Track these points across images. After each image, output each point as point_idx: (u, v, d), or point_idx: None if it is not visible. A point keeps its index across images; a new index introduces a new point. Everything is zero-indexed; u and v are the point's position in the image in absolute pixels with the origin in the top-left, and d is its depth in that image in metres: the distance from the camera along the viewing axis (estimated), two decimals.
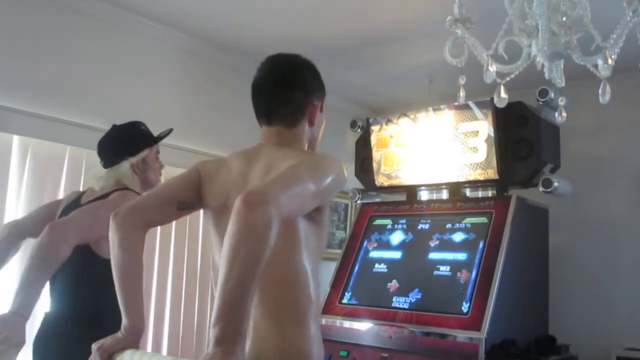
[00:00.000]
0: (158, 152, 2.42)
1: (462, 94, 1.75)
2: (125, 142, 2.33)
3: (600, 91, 1.65)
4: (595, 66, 1.60)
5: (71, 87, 2.99)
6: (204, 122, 3.60)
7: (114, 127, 2.37)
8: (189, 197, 1.62)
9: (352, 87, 4.35)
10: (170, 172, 3.23)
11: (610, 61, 1.52)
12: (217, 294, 1.22)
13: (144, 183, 2.34)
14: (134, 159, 2.30)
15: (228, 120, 3.62)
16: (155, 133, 2.46)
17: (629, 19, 1.52)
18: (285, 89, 1.63)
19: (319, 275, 1.56)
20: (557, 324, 3.37)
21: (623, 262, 3.73)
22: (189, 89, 3.56)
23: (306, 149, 1.68)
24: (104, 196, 2.20)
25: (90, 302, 2.17)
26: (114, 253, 1.56)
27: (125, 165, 2.29)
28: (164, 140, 3.20)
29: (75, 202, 2.27)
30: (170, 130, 2.47)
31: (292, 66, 1.66)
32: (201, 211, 1.68)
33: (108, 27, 3.16)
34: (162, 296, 3.34)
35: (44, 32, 2.90)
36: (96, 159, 2.33)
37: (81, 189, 2.67)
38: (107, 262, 2.10)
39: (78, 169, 2.96)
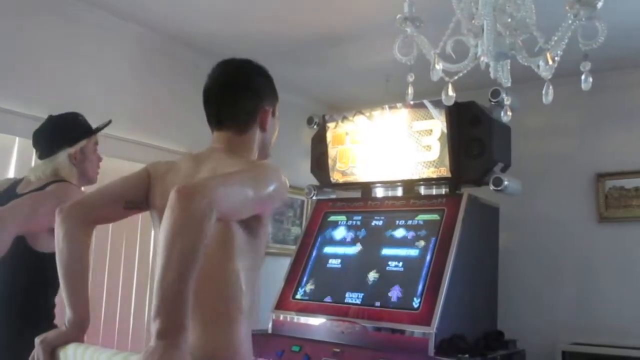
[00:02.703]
0: (97, 144, 2.38)
1: (410, 91, 1.78)
2: (63, 131, 2.28)
3: (543, 92, 1.70)
4: (539, 67, 1.64)
5: (20, 77, 2.92)
6: (160, 116, 3.56)
7: (50, 117, 2.33)
8: (137, 196, 1.61)
9: (310, 84, 4.36)
10: (127, 166, 3.21)
11: (551, 62, 1.56)
12: (155, 287, 1.21)
13: (82, 175, 2.30)
14: (71, 149, 2.25)
15: (185, 114, 3.59)
16: (108, 129, 2.43)
17: (570, 22, 1.57)
18: (236, 94, 1.63)
19: (258, 285, 1.56)
20: (505, 319, 3.45)
21: (569, 261, 3.84)
22: (145, 82, 3.51)
23: (257, 154, 1.69)
24: (41, 188, 2.16)
25: (24, 297, 2.14)
26: (58, 247, 1.53)
27: (62, 156, 2.24)
28: (119, 134, 3.18)
29: (10, 190, 2.22)
30: (109, 122, 2.44)
31: (243, 71, 1.67)
32: None
33: (62, 18, 3.09)
34: (114, 293, 3.30)
35: None
36: None
37: None
38: (43, 257, 2.07)
39: (27, 161, 2.88)
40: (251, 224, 1.49)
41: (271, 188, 1.45)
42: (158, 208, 1.57)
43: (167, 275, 1.20)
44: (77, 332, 1.54)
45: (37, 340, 1.54)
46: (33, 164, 2.87)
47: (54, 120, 2.32)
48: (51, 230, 1.96)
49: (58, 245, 1.54)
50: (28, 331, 1.70)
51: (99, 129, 2.39)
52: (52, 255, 1.57)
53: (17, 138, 2.87)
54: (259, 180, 1.45)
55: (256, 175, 1.47)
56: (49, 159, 2.24)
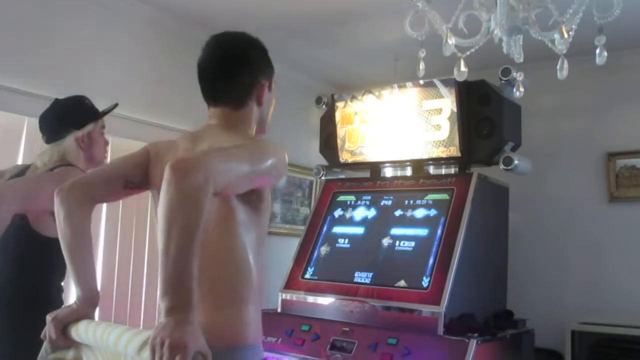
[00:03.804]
0: (103, 127, 2.37)
1: (421, 66, 1.76)
2: (69, 116, 2.27)
3: (558, 67, 1.68)
4: (553, 42, 1.62)
5: (30, 58, 2.91)
6: (172, 97, 3.53)
7: (56, 101, 2.31)
8: (137, 176, 1.60)
9: (318, 64, 4.33)
10: (138, 147, 3.20)
11: (566, 36, 1.54)
12: (160, 265, 1.21)
13: (89, 159, 2.29)
14: (78, 133, 2.24)
15: (197, 95, 3.56)
16: (119, 109, 2.42)
17: None
18: (231, 68, 1.60)
19: (264, 261, 1.54)
20: (514, 299, 3.44)
21: (580, 240, 3.82)
22: (156, 62, 3.49)
23: (255, 129, 1.67)
24: (48, 171, 2.15)
25: (28, 282, 2.13)
26: (60, 227, 1.53)
27: (69, 140, 2.23)
28: (130, 114, 3.17)
29: (20, 175, 2.22)
30: (115, 105, 2.43)
31: (238, 45, 1.64)
32: None
33: None
34: (126, 270, 3.32)
35: (2, 2, 2.81)
36: None
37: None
38: (47, 241, 2.07)
39: (36, 141, 2.88)
40: (251, 199, 1.47)
41: (268, 162, 1.44)
42: (158, 187, 1.56)
43: (168, 252, 1.19)
44: (88, 309, 1.55)
45: (48, 317, 1.55)
46: (39, 149, 2.89)
47: (60, 104, 2.30)
48: (52, 213, 1.96)
49: (60, 225, 1.53)
50: (34, 315, 1.71)
51: (105, 113, 2.38)
52: (56, 240, 1.56)
53: (26, 118, 2.86)
54: (255, 154, 1.44)
55: (252, 150, 1.46)
56: (55, 143, 2.24)
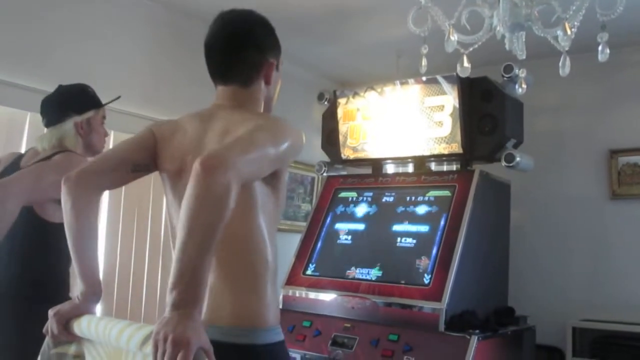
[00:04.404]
0: (104, 118, 2.37)
1: (424, 63, 1.76)
2: (71, 100, 2.28)
3: (560, 64, 1.68)
4: (556, 38, 1.61)
5: (33, 54, 2.91)
6: (171, 92, 3.54)
7: (60, 86, 2.32)
8: (144, 159, 1.59)
9: (321, 60, 4.33)
10: None
11: (569, 32, 1.54)
12: (174, 258, 1.21)
13: (87, 147, 2.29)
14: (78, 118, 2.25)
15: (196, 90, 3.55)
16: (118, 104, 2.43)
17: None
18: (239, 46, 1.58)
19: (277, 241, 1.54)
20: (516, 296, 3.44)
21: (581, 237, 3.82)
22: (156, 57, 3.49)
23: (262, 108, 1.65)
24: (47, 158, 2.15)
25: (36, 268, 2.14)
26: (66, 218, 1.52)
27: (68, 124, 2.23)
28: (130, 109, 3.17)
29: (15, 164, 2.22)
30: (118, 97, 2.43)
31: (246, 23, 1.62)
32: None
33: None
34: (127, 262, 3.32)
35: None
36: None
37: None
38: (54, 227, 2.08)
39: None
40: (270, 179, 1.48)
41: (288, 143, 1.43)
42: (168, 171, 1.56)
43: (187, 248, 1.20)
44: (90, 304, 1.55)
45: (50, 312, 1.55)
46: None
47: (63, 89, 2.31)
48: (57, 201, 1.96)
49: (66, 215, 1.52)
50: (44, 301, 1.71)
51: (107, 103, 2.39)
52: (62, 225, 1.56)
53: (28, 113, 2.87)
54: (277, 136, 1.43)
55: (274, 133, 1.44)
56: (54, 127, 2.24)
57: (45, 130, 2.30)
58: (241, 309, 1.43)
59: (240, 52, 1.59)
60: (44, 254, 2.16)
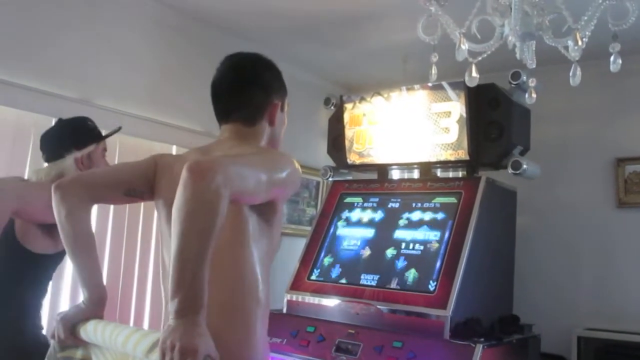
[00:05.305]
0: (105, 150, 2.32)
1: (434, 71, 1.75)
2: (70, 135, 2.23)
3: (570, 73, 1.67)
4: (566, 48, 1.61)
5: (39, 55, 2.91)
6: (178, 94, 3.53)
7: (59, 120, 2.28)
8: (140, 185, 1.59)
9: (327, 65, 4.33)
10: (145, 144, 3.20)
11: (580, 43, 1.53)
12: (171, 267, 1.20)
13: None
14: (78, 154, 2.20)
15: (203, 93, 3.53)
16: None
17: (600, 1, 1.53)
18: (244, 88, 1.60)
19: (270, 277, 1.52)
20: (521, 304, 3.43)
21: (587, 246, 3.81)
22: (162, 60, 3.49)
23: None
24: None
25: (14, 302, 2.07)
26: (62, 226, 1.51)
27: (69, 160, 2.18)
28: (136, 112, 3.17)
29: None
30: (119, 129, 2.40)
31: (252, 65, 1.64)
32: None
33: None
34: (145, 268, 3.32)
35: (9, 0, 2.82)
36: None
37: None
38: (33, 256, 2.03)
39: None
40: (264, 211, 1.46)
41: (284, 173, 1.43)
42: (165, 200, 1.55)
43: (182, 254, 1.19)
44: (96, 308, 1.55)
45: (57, 317, 1.56)
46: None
47: (62, 123, 2.27)
48: (41, 226, 1.93)
49: (61, 224, 1.52)
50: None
51: (108, 135, 2.34)
52: (42, 256, 1.53)
53: (35, 115, 2.86)
54: (273, 164, 1.43)
55: (269, 160, 1.45)
56: (54, 162, 2.19)
57: (45, 164, 2.25)
58: (228, 351, 1.33)
59: (245, 92, 1.61)
60: (19, 281, 2.08)
